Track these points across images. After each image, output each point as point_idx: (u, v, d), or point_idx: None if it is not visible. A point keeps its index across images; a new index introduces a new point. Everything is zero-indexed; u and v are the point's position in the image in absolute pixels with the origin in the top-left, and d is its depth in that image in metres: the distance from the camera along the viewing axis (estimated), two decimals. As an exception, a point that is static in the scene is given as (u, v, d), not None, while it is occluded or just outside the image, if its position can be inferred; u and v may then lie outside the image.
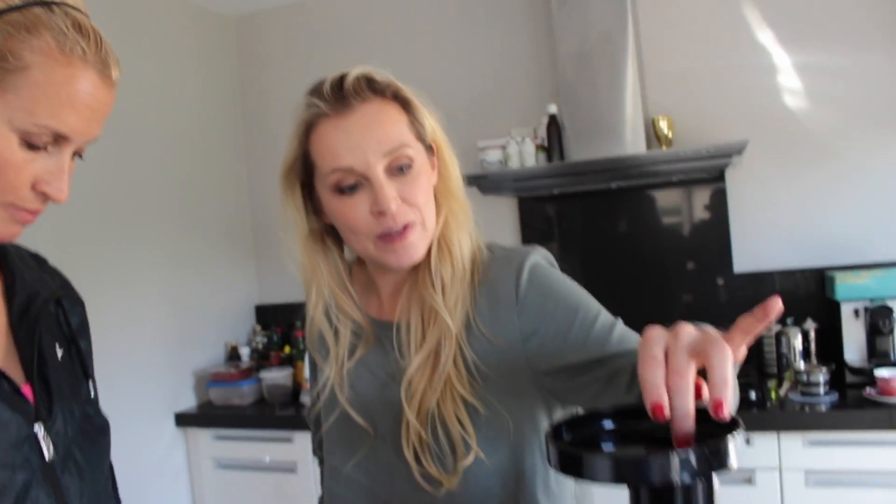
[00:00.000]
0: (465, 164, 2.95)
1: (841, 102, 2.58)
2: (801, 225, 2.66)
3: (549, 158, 2.65)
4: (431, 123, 1.09)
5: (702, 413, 0.61)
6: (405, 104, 1.06)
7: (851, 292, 2.40)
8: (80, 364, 0.99)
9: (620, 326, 1.03)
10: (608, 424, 0.68)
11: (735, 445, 0.57)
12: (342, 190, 1.01)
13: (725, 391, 0.60)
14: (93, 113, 0.79)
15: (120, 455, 2.80)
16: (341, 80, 1.03)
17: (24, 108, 0.75)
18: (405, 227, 1.02)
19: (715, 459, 0.56)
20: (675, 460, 0.55)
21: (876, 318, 2.37)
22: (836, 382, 2.38)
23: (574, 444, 0.65)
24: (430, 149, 1.09)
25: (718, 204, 2.75)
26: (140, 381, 2.79)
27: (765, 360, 2.62)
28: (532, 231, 2.96)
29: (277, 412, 2.87)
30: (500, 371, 1.05)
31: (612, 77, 2.58)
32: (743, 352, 0.70)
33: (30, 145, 0.77)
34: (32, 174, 0.78)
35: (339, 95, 1.02)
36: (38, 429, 0.83)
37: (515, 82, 2.96)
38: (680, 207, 2.82)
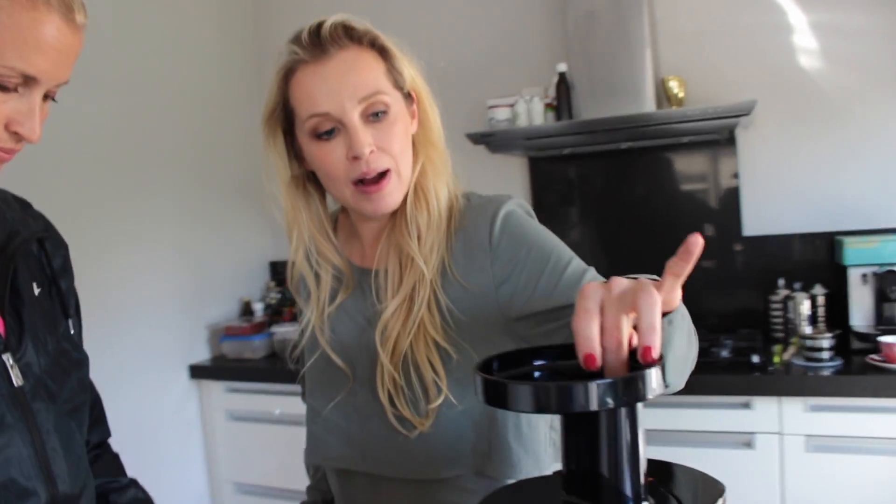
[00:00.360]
0: (473, 122, 2.96)
1: (856, 63, 2.52)
2: (812, 188, 2.63)
3: (559, 117, 2.64)
4: (411, 72, 1.11)
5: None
6: (383, 52, 1.07)
7: (860, 257, 2.37)
8: (61, 303, 1.03)
9: (592, 274, 1.04)
10: (540, 361, 0.70)
11: (651, 379, 0.58)
12: (319, 135, 1.04)
13: (653, 337, 0.61)
14: (59, 55, 0.82)
15: (135, 404, 2.89)
16: (319, 27, 1.05)
17: None
18: (381, 176, 1.04)
19: (630, 389, 0.57)
20: (592, 389, 0.56)
21: (883, 284, 2.34)
22: (841, 348, 2.36)
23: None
24: (408, 97, 1.10)
25: (729, 166, 2.72)
26: (155, 333, 2.85)
27: (771, 325, 2.61)
28: (543, 192, 2.96)
29: (288, 366, 2.91)
30: (472, 316, 1.07)
31: (623, 35, 2.55)
32: (676, 295, 0.72)
33: (0, 87, 0.80)
34: (5, 115, 0.82)
35: (316, 42, 1.04)
36: (7, 358, 0.88)
37: (526, 41, 2.93)
38: (690, 169, 2.79)
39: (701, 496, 0.64)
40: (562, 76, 2.64)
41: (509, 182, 2.97)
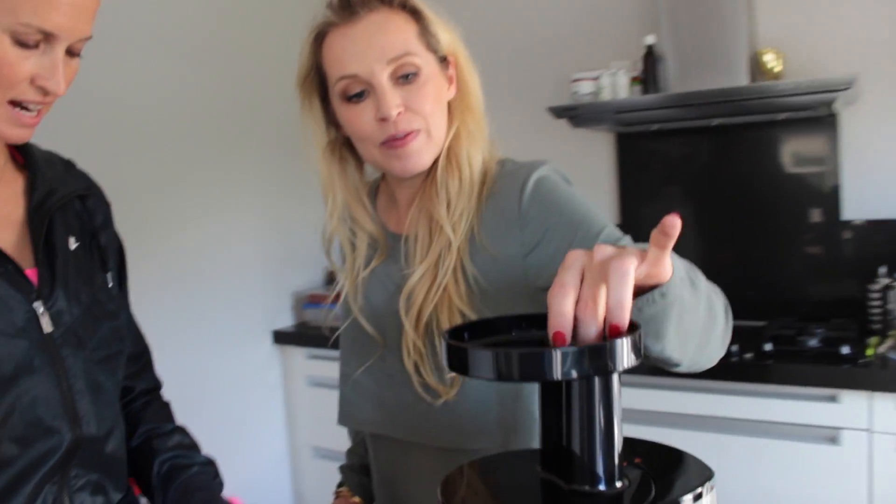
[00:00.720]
0: (557, 97, 2.89)
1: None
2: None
3: (646, 91, 2.54)
4: (447, 37, 1.10)
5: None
6: (415, 14, 1.06)
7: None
8: (100, 257, 1.08)
9: (626, 241, 0.99)
10: (515, 331, 0.66)
11: (618, 351, 0.54)
12: (349, 97, 1.04)
13: (620, 313, 0.57)
14: (74, 10, 0.85)
15: (221, 368, 3.00)
16: None
17: (8, 10, 0.81)
18: (407, 134, 1.03)
19: (594, 360, 0.53)
20: (554, 357, 0.53)
21: None
22: (946, 344, 2.18)
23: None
24: (444, 61, 1.09)
25: (829, 146, 2.55)
26: (242, 299, 2.95)
27: (869, 316, 2.44)
28: (629, 169, 2.86)
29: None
30: (499, 286, 1.05)
31: (717, 5, 2.41)
32: (664, 267, 0.66)
33: (21, 44, 0.84)
34: (29, 71, 0.86)
35: (346, 5, 1.04)
36: (38, 306, 0.94)
37: (613, 13, 2.82)
38: (787, 148, 2.63)
39: (686, 480, 0.59)
40: (650, 49, 2.53)
41: (593, 159, 2.88)
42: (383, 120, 1.02)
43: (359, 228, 1.16)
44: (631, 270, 0.58)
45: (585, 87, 2.58)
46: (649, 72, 2.52)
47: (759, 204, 2.66)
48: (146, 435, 1.13)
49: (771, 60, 2.38)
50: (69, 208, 1.05)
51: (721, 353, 0.90)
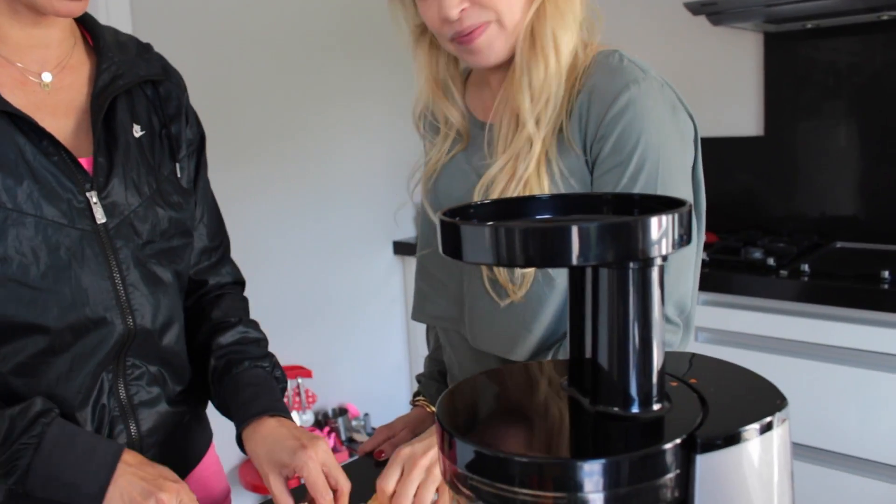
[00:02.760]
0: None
1: None
2: None
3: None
4: None
5: None
6: None
7: None
8: (170, 146, 1.04)
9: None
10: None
11: (653, 228, 0.42)
12: None
13: None
14: None
15: (342, 275, 3.03)
16: None
17: None
18: (474, 30, 0.98)
19: (622, 238, 0.41)
20: (572, 233, 0.41)
21: None
22: None
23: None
24: None
25: None
26: (364, 207, 2.93)
27: None
28: (778, 75, 2.54)
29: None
30: (582, 183, 0.99)
31: None
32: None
33: None
34: None
35: None
36: (92, 196, 0.93)
37: None
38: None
39: (750, 407, 0.47)
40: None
41: (736, 63, 2.59)
42: (445, 20, 0.97)
43: (443, 115, 1.13)
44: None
45: (730, -22, 2.30)
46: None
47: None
48: (211, 330, 1.11)
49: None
50: (138, 94, 1.02)
51: None
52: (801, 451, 2.03)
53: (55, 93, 0.95)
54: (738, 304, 2.10)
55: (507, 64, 1.03)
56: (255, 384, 1.04)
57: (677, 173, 0.97)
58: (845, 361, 1.95)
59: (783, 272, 2.05)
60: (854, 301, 1.92)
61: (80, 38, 1.02)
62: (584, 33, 1.01)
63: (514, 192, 0.97)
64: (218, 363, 1.08)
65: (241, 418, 1.01)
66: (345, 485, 0.93)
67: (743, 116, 2.60)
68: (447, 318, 1.14)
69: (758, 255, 2.16)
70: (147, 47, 1.08)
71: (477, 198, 1.01)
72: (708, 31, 2.51)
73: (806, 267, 2.04)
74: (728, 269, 2.15)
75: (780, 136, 2.52)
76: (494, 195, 0.98)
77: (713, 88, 2.62)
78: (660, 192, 0.93)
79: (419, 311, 1.22)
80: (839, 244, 2.41)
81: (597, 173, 0.97)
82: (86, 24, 1.03)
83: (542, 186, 0.97)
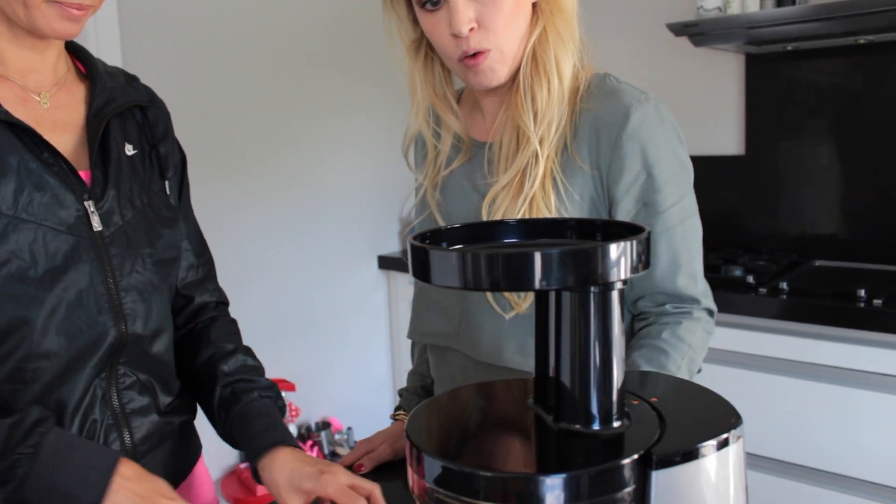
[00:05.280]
0: (678, 10, 2.65)
1: None
2: None
3: (780, 3, 2.28)
4: None
5: None
6: None
7: None
8: (159, 166, 1.12)
9: (693, 222, 1.05)
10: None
11: (611, 255, 0.43)
12: (424, 4, 1.03)
13: None
14: None
15: (326, 289, 3.03)
16: None
17: None
18: (478, 53, 1.01)
19: (580, 266, 0.43)
20: (535, 259, 0.43)
21: None
22: None
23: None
24: None
25: None
26: (349, 221, 2.95)
27: None
28: (759, 95, 2.59)
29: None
30: (588, 199, 1.04)
31: None
32: None
33: None
34: None
35: None
36: (89, 205, 0.98)
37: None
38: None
39: (707, 425, 0.49)
40: (788, -44, 2.25)
41: (718, 84, 2.64)
42: (455, 36, 1.00)
43: (443, 128, 1.15)
44: None
45: (711, 2, 2.34)
46: (786, -17, 2.25)
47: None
48: (210, 356, 1.14)
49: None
50: (129, 117, 1.09)
51: None
52: (778, 467, 2.06)
53: (53, 111, 1.00)
54: (717, 322, 2.12)
55: (502, 88, 1.08)
56: (264, 415, 1.07)
57: (690, 176, 1.05)
58: (823, 379, 1.98)
59: (762, 290, 2.07)
60: (832, 319, 1.96)
61: (72, 66, 1.08)
62: (576, 55, 1.06)
63: (521, 208, 1.01)
64: (224, 391, 1.10)
65: (256, 449, 1.04)
66: (375, 487, 0.95)
67: (724, 136, 2.64)
68: (441, 334, 1.16)
69: (738, 272, 2.19)
70: (134, 78, 1.15)
71: (484, 213, 1.05)
72: (690, 52, 2.55)
73: (785, 285, 2.07)
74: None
75: (761, 156, 2.57)
76: (500, 212, 1.02)
77: (695, 108, 2.66)
78: (684, 196, 1.03)
79: (413, 331, 1.24)
80: (818, 262, 2.45)
81: (620, 190, 1.01)
82: (78, 54, 1.09)
83: (549, 201, 1.01)
